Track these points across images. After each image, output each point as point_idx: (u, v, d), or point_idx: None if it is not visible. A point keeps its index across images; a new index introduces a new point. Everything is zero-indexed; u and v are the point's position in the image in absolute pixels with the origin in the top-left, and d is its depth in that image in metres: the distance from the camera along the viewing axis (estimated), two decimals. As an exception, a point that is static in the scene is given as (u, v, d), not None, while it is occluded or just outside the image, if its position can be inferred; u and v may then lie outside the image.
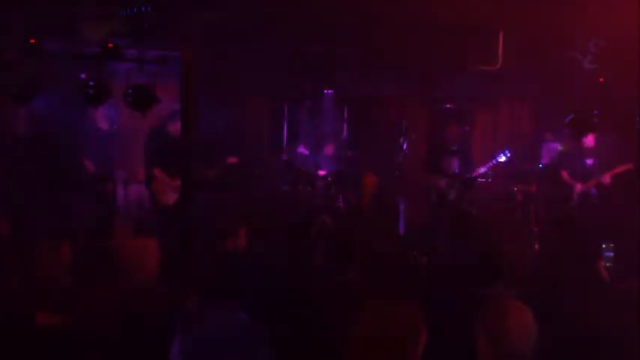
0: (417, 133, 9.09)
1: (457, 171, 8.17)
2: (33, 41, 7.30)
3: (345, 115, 10.21)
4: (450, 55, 7.52)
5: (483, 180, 8.26)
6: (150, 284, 4.11)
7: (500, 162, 7.97)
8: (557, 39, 7.71)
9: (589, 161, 8.00)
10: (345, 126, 10.18)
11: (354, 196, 8.55)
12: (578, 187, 7.87)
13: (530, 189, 8.32)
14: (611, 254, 4.49)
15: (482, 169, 8.09)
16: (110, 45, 7.02)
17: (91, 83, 6.81)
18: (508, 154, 7.90)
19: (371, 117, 10.04)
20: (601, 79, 8.39)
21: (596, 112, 7.50)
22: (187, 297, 4.28)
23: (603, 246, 4.63)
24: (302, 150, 9.40)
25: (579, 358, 3.90)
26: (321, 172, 8.91)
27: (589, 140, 7.83)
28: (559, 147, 8.75)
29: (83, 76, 6.91)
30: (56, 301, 4.04)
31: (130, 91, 6.81)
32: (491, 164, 8.05)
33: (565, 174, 8.02)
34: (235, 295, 3.61)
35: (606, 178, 7.67)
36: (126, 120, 8.76)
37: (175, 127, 7.12)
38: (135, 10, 6.86)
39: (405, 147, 8.34)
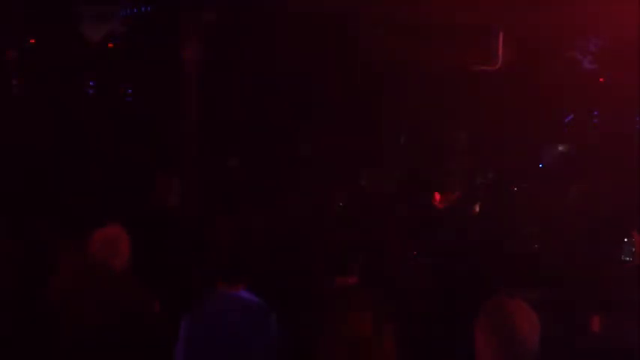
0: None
1: None
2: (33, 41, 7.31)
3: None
4: (450, 55, 7.51)
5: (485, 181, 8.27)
6: (125, 272, 4.15)
7: None
8: (557, 39, 7.70)
9: None
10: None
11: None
12: None
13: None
14: (633, 248, 4.50)
15: None
16: (110, 45, 7.02)
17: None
18: None
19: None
20: (601, 79, 8.40)
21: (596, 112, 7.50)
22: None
23: (625, 240, 4.65)
24: None
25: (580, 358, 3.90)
26: None
27: None
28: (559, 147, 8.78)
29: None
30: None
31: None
32: None
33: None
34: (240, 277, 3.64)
35: None
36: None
37: None
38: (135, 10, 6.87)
39: None
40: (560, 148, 8.98)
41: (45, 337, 4.06)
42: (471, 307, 2.84)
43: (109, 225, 4.24)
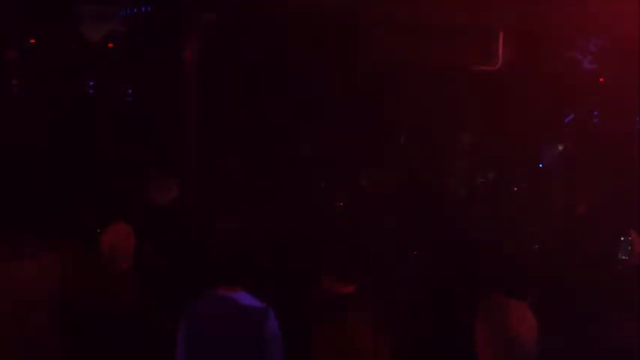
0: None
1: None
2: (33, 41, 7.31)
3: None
4: (450, 55, 7.52)
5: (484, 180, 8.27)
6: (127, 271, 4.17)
7: None
8: (557, 39, 7.70)
9: None
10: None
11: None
12: None
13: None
14: (630, 247, 4.52)
15: None
16: (110, 45, 7.02)
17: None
18: None
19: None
20: (601, 79, 8.39)
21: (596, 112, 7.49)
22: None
23: (622, 238, 4.65)
24: None
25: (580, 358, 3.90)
26: None
27: None
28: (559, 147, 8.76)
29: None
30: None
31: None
32: None
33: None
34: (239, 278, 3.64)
35: None
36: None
37: None
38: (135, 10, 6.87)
39: None
40: (560, 148, 8.97)
41: (46, 337, 4.07)
42: (471, 308, 2.84)
43: (116, 223, 4.27)
